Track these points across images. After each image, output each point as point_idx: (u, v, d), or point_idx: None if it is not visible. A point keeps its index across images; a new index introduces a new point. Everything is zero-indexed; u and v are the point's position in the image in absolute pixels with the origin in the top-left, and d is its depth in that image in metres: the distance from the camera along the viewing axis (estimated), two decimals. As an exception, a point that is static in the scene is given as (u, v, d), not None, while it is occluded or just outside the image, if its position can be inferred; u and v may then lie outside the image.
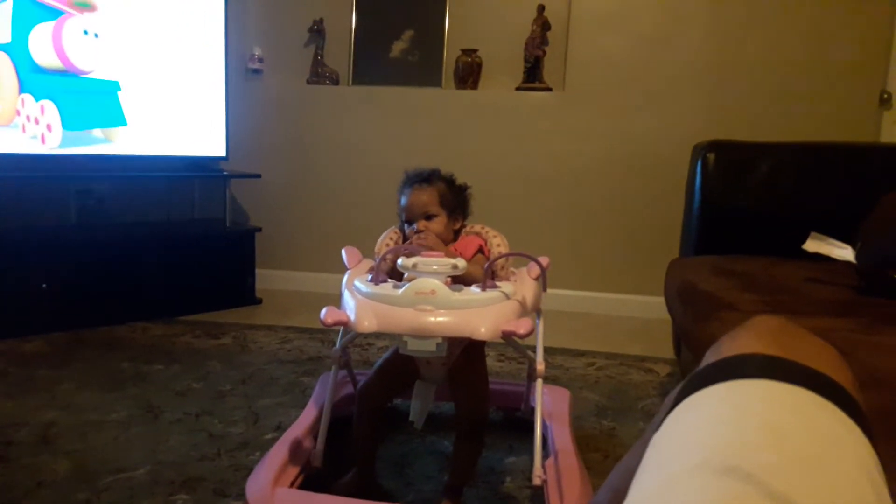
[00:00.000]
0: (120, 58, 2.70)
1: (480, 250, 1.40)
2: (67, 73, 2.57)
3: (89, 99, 2.63)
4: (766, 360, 0.47)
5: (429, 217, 1.40)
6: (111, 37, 2.68)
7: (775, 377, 0.44)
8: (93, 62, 2.62)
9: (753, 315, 0.57)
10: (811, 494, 0.34)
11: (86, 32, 2.56)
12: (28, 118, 2.49)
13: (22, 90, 2.48)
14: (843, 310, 1.29)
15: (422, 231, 1.38)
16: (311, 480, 1.31)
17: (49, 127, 2.53)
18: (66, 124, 2.57)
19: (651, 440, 0.45)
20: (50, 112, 2.53)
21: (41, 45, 2.50)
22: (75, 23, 2.55)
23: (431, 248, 1.31)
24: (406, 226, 1.43)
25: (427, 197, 1.41)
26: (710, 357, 0.51)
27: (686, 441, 0.41)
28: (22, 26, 2.45)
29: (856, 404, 0.44)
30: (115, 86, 2.68)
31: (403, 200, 1.43)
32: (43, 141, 2.54)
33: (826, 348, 0.51)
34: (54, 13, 2.52)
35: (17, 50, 2.45)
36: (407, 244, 1.34)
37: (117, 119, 2.70)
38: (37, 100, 2.51)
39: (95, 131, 2.66)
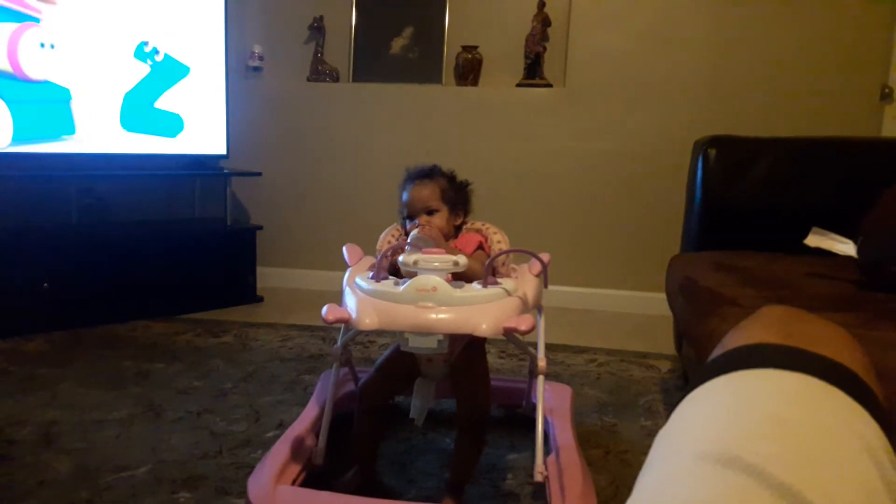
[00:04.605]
0: (117, 57, 2.71)
1: (480, 247, 1.40)
2: (16, 78, 2.48)
3: (38, 106, 2.54)
4: (769, 349, 0.47)
5: (430, 212, 1.40)
6: (105, 33, 2.67)
7: (778, 366, 0.44)
8: (45, 72, 2.54)
9: (753, 310, 0.56)
10: (813, 483, 0.34)
11: (42, 45, 2.50)
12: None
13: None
14: (844, 305, 1.29)
15: (423, 225, 1.37)
16: (312, 478, 1.31)
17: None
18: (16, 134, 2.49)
19: (657, 436, 0.45)
20: None
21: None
22: (32, 34, 2.47)
23: (433, 238, 1.31)
24: (407, 222, 1.43)
25: (428, 192, 1.40)
26: (717, 350, 0.51)
27: (688, 434, 0.41)
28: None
29: (864, 387, 0.43)
30: (65, 93, 2.60)
31: (405, 196, 1.43)
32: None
33: (835, 332, 0.51)
34: (16, 16, 2.44)
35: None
36: (408, 239, 1.34)
37: (66, 128, 2.61)
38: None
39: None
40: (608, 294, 3.12)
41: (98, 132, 2.69)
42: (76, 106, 2.63)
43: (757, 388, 0.43)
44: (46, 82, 2.55)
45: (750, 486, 0.34)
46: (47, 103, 2.57)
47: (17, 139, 2.49)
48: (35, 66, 2.51)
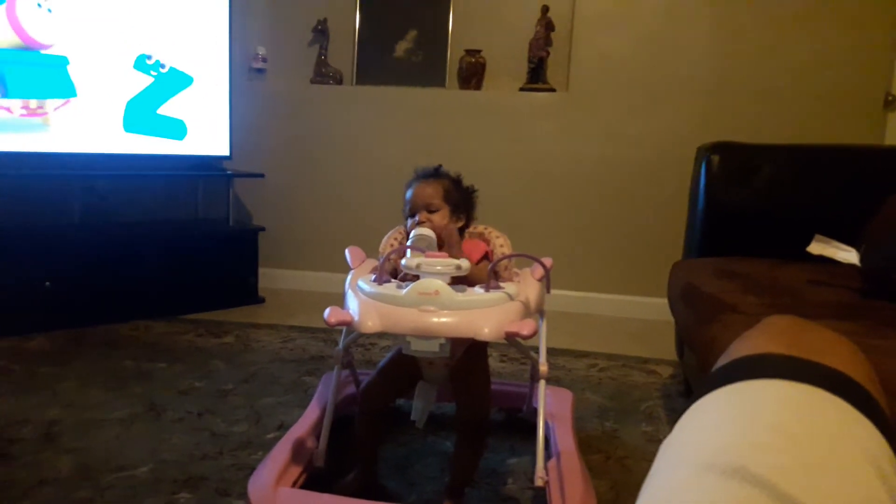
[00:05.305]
0: (121, 57, 2.71)
1: (486, 257, 1.40)
2: (24, 50, 2.48)
3: (39, 71, 2.54)
4: (775, 359, 0.47)
5: (431, 210, 1.39)
6: (105, 30, 2.68)
7: (784, 376, 0.44)
8: (51, 37, 2.53)
9: (755, 317, 0.57)
10: (818, 495, 0.34)
11: (39, 6, 2.48)
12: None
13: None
14: (847, 312, 1.29)
15: (424, 222, 1.36)
16: (313, 480, 1.31)
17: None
18: (12, 92, 2.49)
19: (661, 445, 0.45)
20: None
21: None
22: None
23: (436, 228, 1.31)
24: (409, 220, 1.43)
25: (431, 190, 1.40)
26: (722, 360, 0.51)
27: (693, 443, 0.41)
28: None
29: (869, 398, 0.43)
30: (63, 60, 2.60)
31: (408, 194, 1.43)
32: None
33: (840, 342, 0.51)
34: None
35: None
36: (409, 239, 1.33)
37: (67, 91, 2.61)
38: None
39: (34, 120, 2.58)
40: (610, 299, 3.12)
41: (99, 98, 2.67)
42: (74, 70, 2.62)
43: (762, 398, 0.43)
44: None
45: (755, 496, 0.34)
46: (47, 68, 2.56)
47: (13, 96, 2.49)
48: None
